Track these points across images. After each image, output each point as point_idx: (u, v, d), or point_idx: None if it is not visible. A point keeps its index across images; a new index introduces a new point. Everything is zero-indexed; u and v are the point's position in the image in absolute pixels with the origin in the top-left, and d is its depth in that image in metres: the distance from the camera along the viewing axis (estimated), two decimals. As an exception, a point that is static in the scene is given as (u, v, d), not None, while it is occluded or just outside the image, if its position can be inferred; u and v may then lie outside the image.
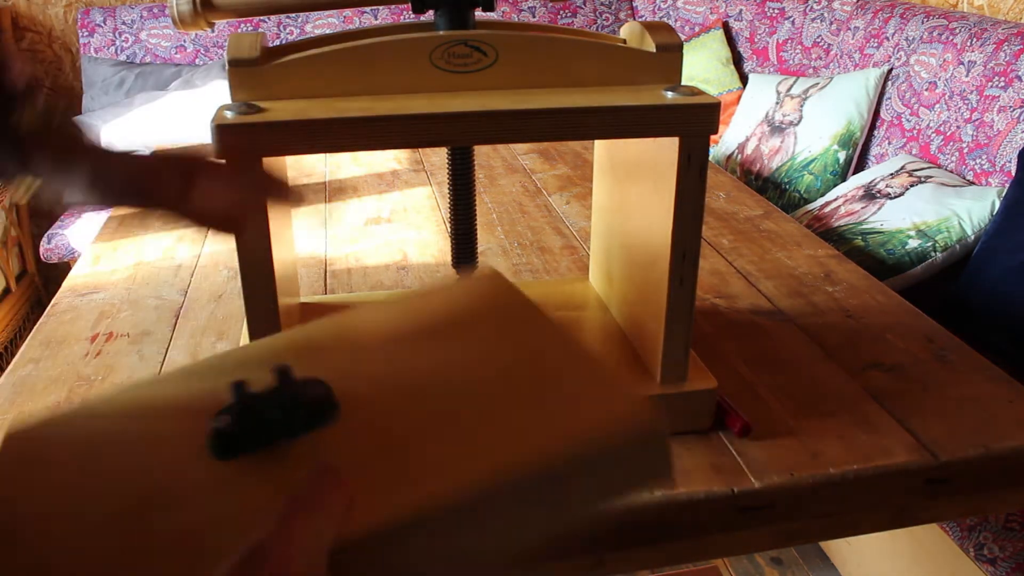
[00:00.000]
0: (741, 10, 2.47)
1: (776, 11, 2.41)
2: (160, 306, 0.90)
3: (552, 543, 0.58)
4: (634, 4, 2.67)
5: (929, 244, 1.54)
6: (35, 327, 0.86)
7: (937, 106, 1.81)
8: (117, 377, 0.76)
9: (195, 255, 1.03)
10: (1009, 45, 1.66)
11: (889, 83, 1.98)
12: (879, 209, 1.67)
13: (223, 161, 0.52)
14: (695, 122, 0.57)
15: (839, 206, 1.76)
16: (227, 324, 0.86)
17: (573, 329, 0.75)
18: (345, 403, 0.29)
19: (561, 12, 2.58)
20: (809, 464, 0.63)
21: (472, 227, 0.70)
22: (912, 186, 1.67)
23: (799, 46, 2.33)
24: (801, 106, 2.08)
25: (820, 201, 1.86)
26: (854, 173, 1.98)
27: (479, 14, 0.60)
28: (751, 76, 2.31)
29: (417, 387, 0.32)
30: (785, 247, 1.02)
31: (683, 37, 2.48)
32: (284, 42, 0.60)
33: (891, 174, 1.75)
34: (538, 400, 0.32)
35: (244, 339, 0.63)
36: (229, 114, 0.53)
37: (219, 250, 1.05)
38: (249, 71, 0.55)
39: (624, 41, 0.62)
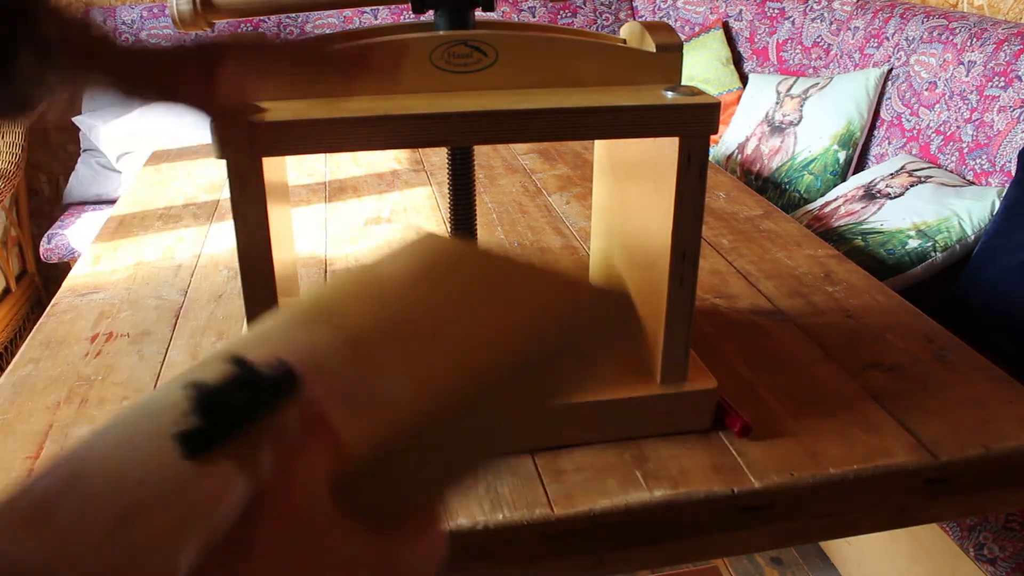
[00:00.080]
0: (741, 10, 2.47)
1: (776, 11, 2.41)
2: (160, 306, 0.90)
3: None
4: (634, 4, 2.67)
5: (929, 244, 1.54)
6: (35, 327, 0.86)
7: (937, 106, 1.81)
8: (117, 377, 0.76)
9: (195, 255, 1.03)
10: (1009, 45, 1.66)
11: (889, 83, 1.98)
12: (879, 209, 1.67)
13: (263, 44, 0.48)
14: (695, 122, 0.57)
15: (839, 206, 1.76)
16: (227, 324, 0.86)
17: None
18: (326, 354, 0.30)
19: (561, 12, 2.58)
20: (809, 464, 0.63)
21: (472, 227, 0.70)
22: (912, 186, 1.67)
23: (799, 46, 2.33)
24: (801, 106, 2.08)
25: (820, 201, 1.86)
26: (854, 173, 1.98)
27: (479, 14, 0.60)
28: (751, 76, 2.31)
29: (390, 325, 0.32)
30: (785, 247, 1.02)
31: (683, 37, 2.48)
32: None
33: (891, 174, 1.75)
34: (505, 307, 0.33)
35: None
36: (229, 114, 0.53)
37: (219, 250, 1.05)
38: (249, 71, 0.55)
39: (624, 41, 0.62)
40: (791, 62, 2.35)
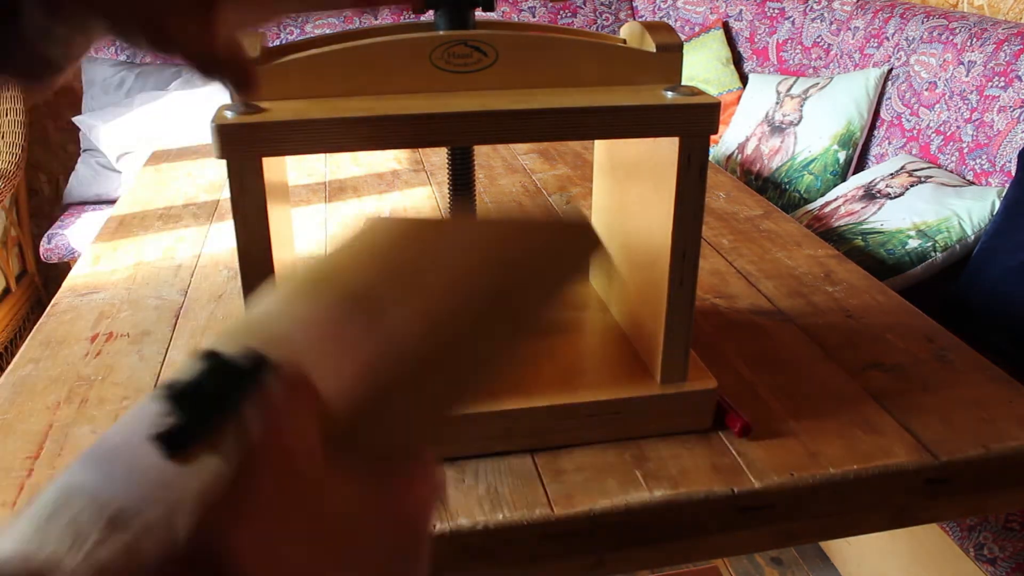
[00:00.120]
0: (741, 10, 2.47)
1: (776, 11, 2.41)
2: (160, 306, 0.90)
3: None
4: (634, 4, 2.67)
5: (929, 244, 1.54)
6: (35, 327, 0.86)
7: (937, 106, 1.81)
8: (117, 377, 0.76)
9: (195, 255, 1.03)
10: (1009, 45, 1.66)
11: (889, 83, 1.98)
12: (879, 209, 1.67)
13: None
14: (695, 122, 0.57)
15: (839, 206, 1.76)
16: (227, 324, 0.86)
17: (573, 329, 0.75)
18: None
19: (561, 12, 2.58)
20: (809, 464, 0.63)
21: (472, 227, 0.69)
22: (912, 186, 1.67)
23: (799, 46, 2.33)
24: (801, 106, 2.08)
25: (820, 201, 1.86)
26: (854, 173, 1.98)
27: (479, 14, 0.60)
28: (751, 76, 2.31)
29: (373, 281, 0.33)
30: (785, 247, 1.02)
31: (683, 37, 2.48)
32: (284, 42, 0.60)
33: (891, 174, 1.75)
34: (473, 252, 0.34)
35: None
36: (229, 114, 0.53)
37: (219, 250, 1.05)
38: (249, 71, 0.55)
39: (624, 41, 0.62)
40: (791, 62, 2.35)
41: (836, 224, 1.71)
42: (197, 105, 2.16)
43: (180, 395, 0.27)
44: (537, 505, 0.58)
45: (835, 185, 1.96)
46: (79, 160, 2.26)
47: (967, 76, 1.74)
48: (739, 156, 2.16)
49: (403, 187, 1.26)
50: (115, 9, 0.38)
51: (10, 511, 0.60)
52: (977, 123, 1.69)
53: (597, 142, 0.76)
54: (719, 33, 2.45)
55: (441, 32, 0.58)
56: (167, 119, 2.14)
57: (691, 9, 2.57)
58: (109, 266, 1.01)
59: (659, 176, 0.61)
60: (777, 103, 2.13)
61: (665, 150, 0.59)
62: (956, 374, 0.75)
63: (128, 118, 2.15)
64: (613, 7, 2.63)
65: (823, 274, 0.94)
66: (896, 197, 1.67)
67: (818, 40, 2.28)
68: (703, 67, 2.41)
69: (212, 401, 0.27)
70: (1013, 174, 1.49)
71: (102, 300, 0.92)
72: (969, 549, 1.11)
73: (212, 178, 1.32)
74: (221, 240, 1.08)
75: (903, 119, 1.91)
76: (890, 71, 1.98)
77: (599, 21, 2.62)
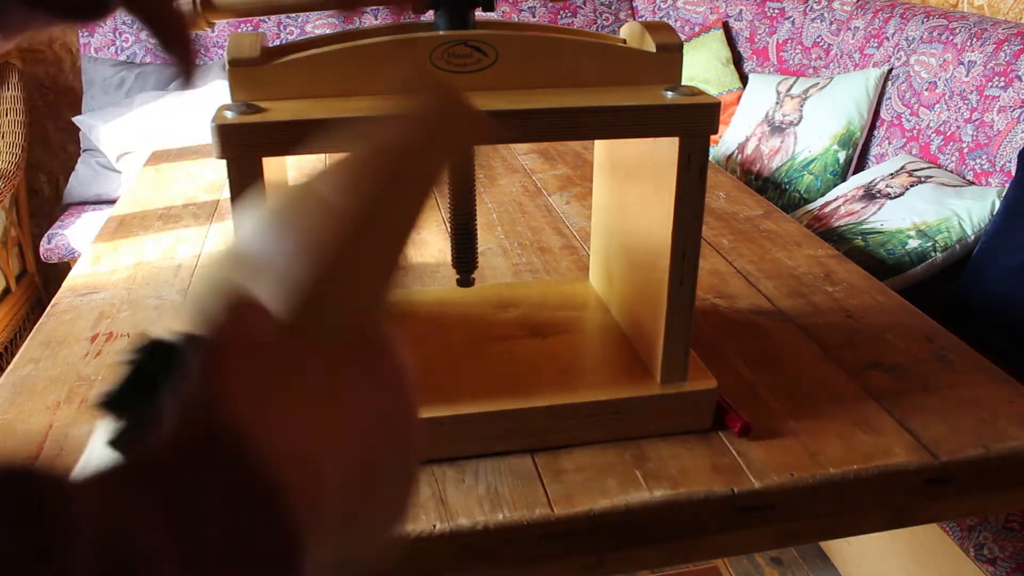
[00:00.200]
0: (741, 10, 2.47)
1: (776, 11, 2.41)
2: (160, 306, 0.90)
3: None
4: (634, 4, 2.67)
5: (929, 244, 1.54)
6: (35, 327, 0.86)
7: (937, 106, 1.81)
8: (117, 377, 0.76)
9: (195, 255, 1.03)
10: (1009, 45, 1.66)
11: (889, 83, 1.98)
12: (879, 209, 1.67)
13: None
14: (695, 122, 0.57)
15: (839, 206, 1.76)
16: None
17: (573, 329, 0.75)
18: None
19: (561, 12, 2.58)
20: (809, 464, 0.63)
21: (472, 227, 0.70)
22: (912, 186, 1.67)
23: (799, 46, 2.33)
24: (801, 106, 2.08)
25: (820, 201, 1.86)
26: (854, 173, 1.98)
27: (479, 14, 0.60)
28: (751, 76, 2.31)
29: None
30: (785, 247, 1.02)
31: (683, 37, 2.48)
32: (284, 42, 0.60)
33: (891, 174, 1.75)
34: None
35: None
36: (229, 114, 0.53)
37: (219, 250, 1.05)
38: (249, 71, 0.55)
39: (624, 41, 0.62)
40: (791, 62, 2.35)
41: (836, 224, 1.71)
42: (197, 105, 2.16)
43: (113, 402, 0.27)
44: (537, 505, 0.58)
45: (835, 185, 1.96)
46: (79, 160, 2.26)
47: (967, 76, 1.74)
48: (739, 156, 2.16)
49: (403, 187, 1.26)
50: None
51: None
52: (977, 123, 1.69)
53: (597, 142, 0.76)
54: (719, 33, 2.45)
55: (441, 32, 0.58)
56: (167, 119, 2.14)
57: (691, 9, 2.57)
58: (109, 266, 1.01)
59: (659, 176, 0.61)
60: (777, 103, 2.13)
61: (665, 150, 0.59)
62: (956, 374, 0.75)
63: (128, 118, 2.15)
64: (613, 7, 2.63)
65: (823, 274, 0.94)
66: (896, 197, 1.67)
67: (818, 40, 2.28)
68: (703, 67, 2.41)
69: (145, 394, 0.27)
70: (1013, 174, 1.49)
71: (102, 300, 0.92)
72: (969, 549, 1.11)
73: (212, 178, 1.32)
74: (221, 240, 1.08)
75: (903, 119, 1.91)
76: (890, 71, 1.98)
77: (599, 21, 2.62)
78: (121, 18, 2.35)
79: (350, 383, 0.29)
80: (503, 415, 0.62)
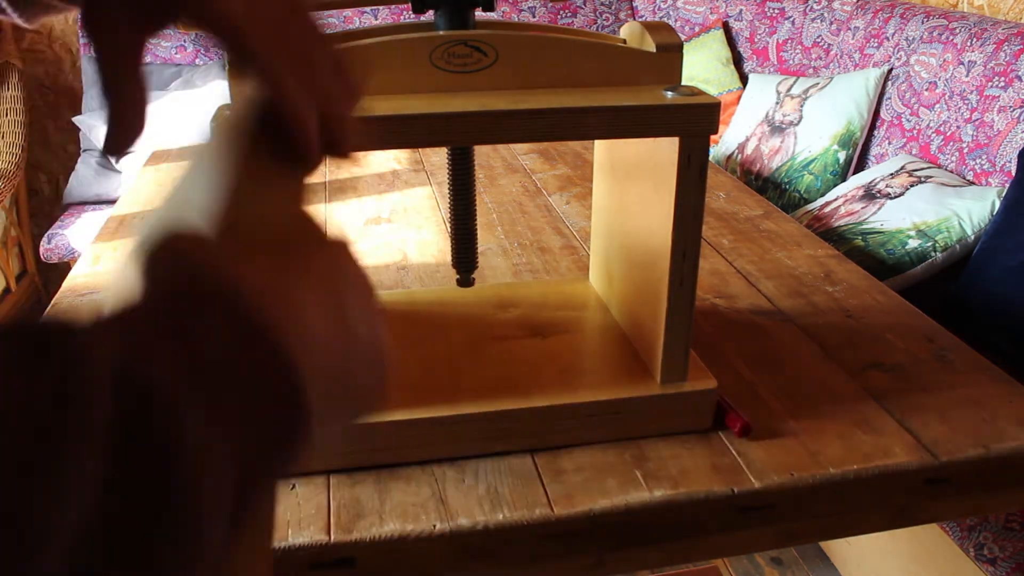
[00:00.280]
0: (741, 10, 2.47)
1: (776, 11, 2.41)
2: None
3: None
4: (634, 4, 2.67)
5: (929, 244, 1.54)
6: (35, 327, 0.86)
7: (937, 106, 1.81)
8: (117, 377, 0.76)
9: (195, 255, 1.03)
10: (1009, 45, 1.66)
11: (889, 83, 1.98)
12: (879, 209, 1.67)
13: None
14: (695, 122, 0.57)
15: (839, 206, 1.76)
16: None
17: (573, 329, 0.75)
18: None
19: (561, 12, 2.58)
20: (809, 464, 0.63)
21: (472, 227, 0.70)
22: (912, 186, 1.67)
23: (799, 46, 2.33)
24: (801, 106, 2.08)
25: (820, 201, 1.86)
26: (854, 173, 1.98)
27: (479, 14, 0.60)
28: (751, 76, 2.31)
29: None
30: (785, 247, 1.02)
31: (683, 37, 2.48)
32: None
33: (891, 174, 1.75)
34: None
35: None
36: (229, 114, 0.53)
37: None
38: (249, 71, 0.55)
39: (624, 41, 0.62)
40: (791, 62, 2.35)
41: (836, 224, 1.71)
42: (197, 105, 2.16)
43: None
44: (537, 505, 0.58)
45: (835, 185, 1.96)
46: (79, 160, 2.26)
47: (967, 76, 1.74)
48: (739, 156, 2.16)
49: (403, 187, 1.26)
50: None
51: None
52: (977, 123, 1.69)
53: (597, 142, 0.76)
54: (719, 33, 2.45)
55: (441, 32, 0.58)
56: (167, 119, 2.14)
57: (691, 9, 2.57)
58: (109, 266, 1.01)
59: (659, 176, 0.61)
60: (777, 103, 2.13)
61: (665, 150, 0.59)
62: (956, 374, 0.75)
63: (128, 118, 2.15)
64: (613, 7, 2.63)
65: (823, 274, 0.94)
66: (896, 197, 1.67)
67: (818, 40, 2.28)
68: (703, 67, 2.41)
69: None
70: (1013, 174, 1.49)
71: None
72: (969, 549, 1.11)
73: (212, 178, 1.32)
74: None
75: (903, 119, 1.91)
76: (890, 71, 1.98)
77: (599, 21, 2.62)
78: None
79: (310, 266, 0.30)
80: (503, 415, 0.62)
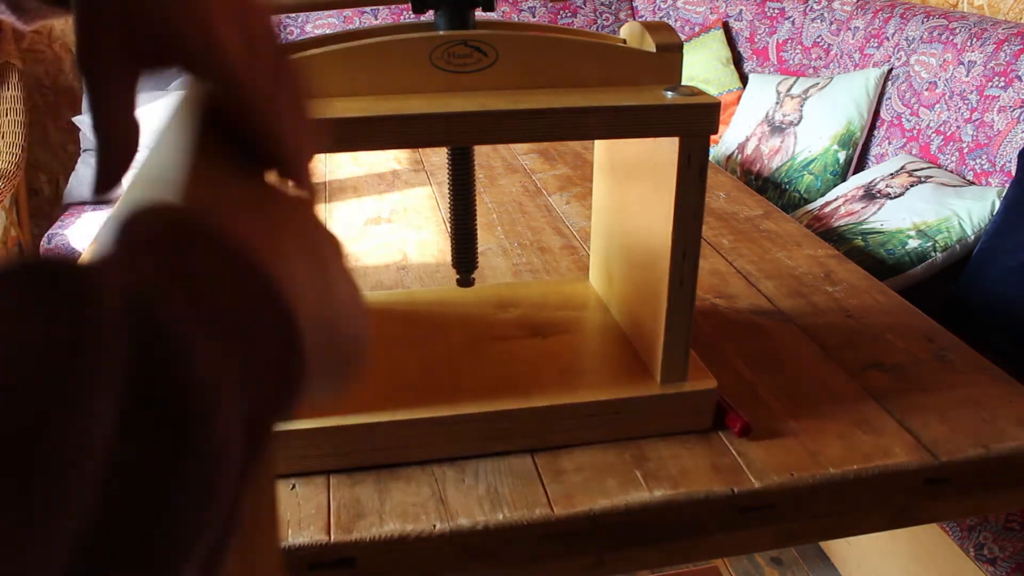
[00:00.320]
0: (741, 10, 2.47)
1: (776, 11, 2.41)
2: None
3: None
4: (634, 4, 2.67)
5: (929, 244, 1.54)
6: (35, 327, 0.86)
7: (937, 106, 1.81)
8: (117, 377, 0.76)
9: (195, 255, 1.03)
10: (1009, 45, 1.66)
11: (889, 83, 1.98)
12: (879, 209, 1.67)
13: None
14: (695, 122, 0.57)
15: (839, 206, 1.76)
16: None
17: (573, 329, 0.75)
18: None
19: (561, 12, 2.58)
20: (809, 464, 0.63)
21: (472, 227, 0.70)
22: (912, 186, 1.67)
23: (799, 46, 2.34)
24: (801, 106, 2.08)
25: (820, 201, 1.86)
26: (854, 173, 1.98)
27: (479, 14, 0.60)
28: (751, 76, 2.31)
29: None
30: (785, 247, 1.02)
31: (683, 37, 2.48)
32: (284, 42, 0.60)
33: (891, 174, 1.75)
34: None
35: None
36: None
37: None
38: (249, 71, 0.55)
39: (624, 41, 0.62)
40: (791, 62, 2.35)
41: (836, 224, 1.71)
42: (197, 105, 2.16)
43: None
44: (537, 505, 0.58)
45: (835, 185, 1.96)
46: (79, 160, 2.26)
47: (967, 76, 1.74)
48: (739, 156, 2.16)
49: (403, 187, 1.26)
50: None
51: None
52: (977, 123, 1.69)
53: (597, 142, 0.76)
54: (719, 33, 2.46)
55: (441, 32, 0.58)
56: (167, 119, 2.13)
57: (691, 9, 2.57)
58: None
59: (659, 176, 0.61)
60: (777, 103, 2.13)
61: (665, 150, 0.59)
62: (956, 374, 0.75)
63: (128, 118, 2.15)
64: (613, 7, 2.63)
65: (823, 274, 0.94)
66: (896, 197, 1.67)
67: (818, 40, 2.28)
68: (703, 67, 2.41)
69: None
70: (1013, 174, 1.49)
71: (102, 300, 0.92)
72: (969, 549, 1.11)
73: (212, 178, 1.32)
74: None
75: (903, 119, 1.91)
76: (890, 71, 1.98)
77: (599, 21, 2.62)
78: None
79: (286, 224, 0.30)
80: (503, 415, 0.62)
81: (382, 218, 1.14)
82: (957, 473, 0.64)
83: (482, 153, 1.40)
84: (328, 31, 2.39)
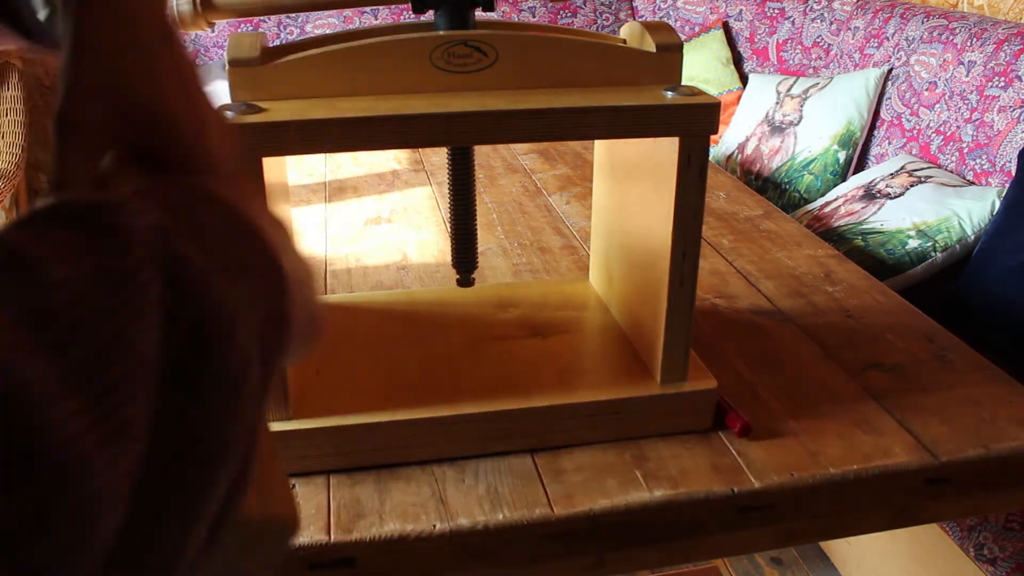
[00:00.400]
0: (741, 10, 2.47)
1: (776, 11, 2.41)
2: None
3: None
4: (634, 4, 2.67)
5: (929, 244, 1.54)
6: (35, 327, 0.86)
7: (937, 106, 1.81)
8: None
9: (195, 255, 1.03)
10: (1009, 45, 1.66)
11: (889, 83, 1.98)
12: (879, 209, 1.67)
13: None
14: (695, 122, 0.57)
15: (839, 206, 1.76)
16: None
17: (573, 329, 0.75)
18: None
19: (561, 12, 2.58)
20: (809, 464, 0.63)
21: (472, 227, 0.70)
22: (912, 186, 1.67)
23: (799, 46, 2.33)
24: (801, 106, 2.08)
25: (820, 201, 1.86)
26: (854, 173, 1.98)
27: (479, 14, 0.60)
28: (751, 76, 2.31)
29: None
30: (785, 247, 1.02)
31: (683, 37, 2.48)
32: (284, 42, 0.60)
33: (891, 174, 1.75)
34: None
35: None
36: (229, 114, 0.53)
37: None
38: (249, 71, 0.55)
39: (624, 41, 0.62)
40: (791, 62, 2.35)
41: (836, 224, 1.71)
42: (197, 105, 2.15)
43: None
44: (537, 505, 0.58)
45: (835, 185, 1.96)
46: (79, 160, 2.26)
47: (967, 76, 1.74)
48: (739, 156, 2.16)
49: (403, 187, 1.26)
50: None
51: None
52: (977, 123, 1.69)
53: (597, 142, 0.76)
54: (719, 33, 2.45)
55: (441, 32, 0.58)
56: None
57: (691, 9, 2.57)
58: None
59: (659, 176, 0.61)
60: (777, 103, 2.13)
61: (665, 150, 0.59)
62: (956, 374, 0.75)
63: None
64: (613, 7, 2.63)
65: (823, 274, 0.94)
66: (896, 197, 1.67)
67: (818, 40, 2.28)
68: (703, 67, 2.41)
69: None
70: (1013, 174, 1.49)
71: (102, 300, 0.92)
72: (969, 549, 1.11)
73: (212, 178, 1.32)
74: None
75: (903, 119, 1.91)
76: (890, 71, 1.98)
77: (599, 21, 2.62)
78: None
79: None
80: (503, 415, 0.62)
81: (382, 218, 1.14)
82: (957, 473, 0.64)
83: (482, 153, 1.40)
84: (328, 31, 2.39)
